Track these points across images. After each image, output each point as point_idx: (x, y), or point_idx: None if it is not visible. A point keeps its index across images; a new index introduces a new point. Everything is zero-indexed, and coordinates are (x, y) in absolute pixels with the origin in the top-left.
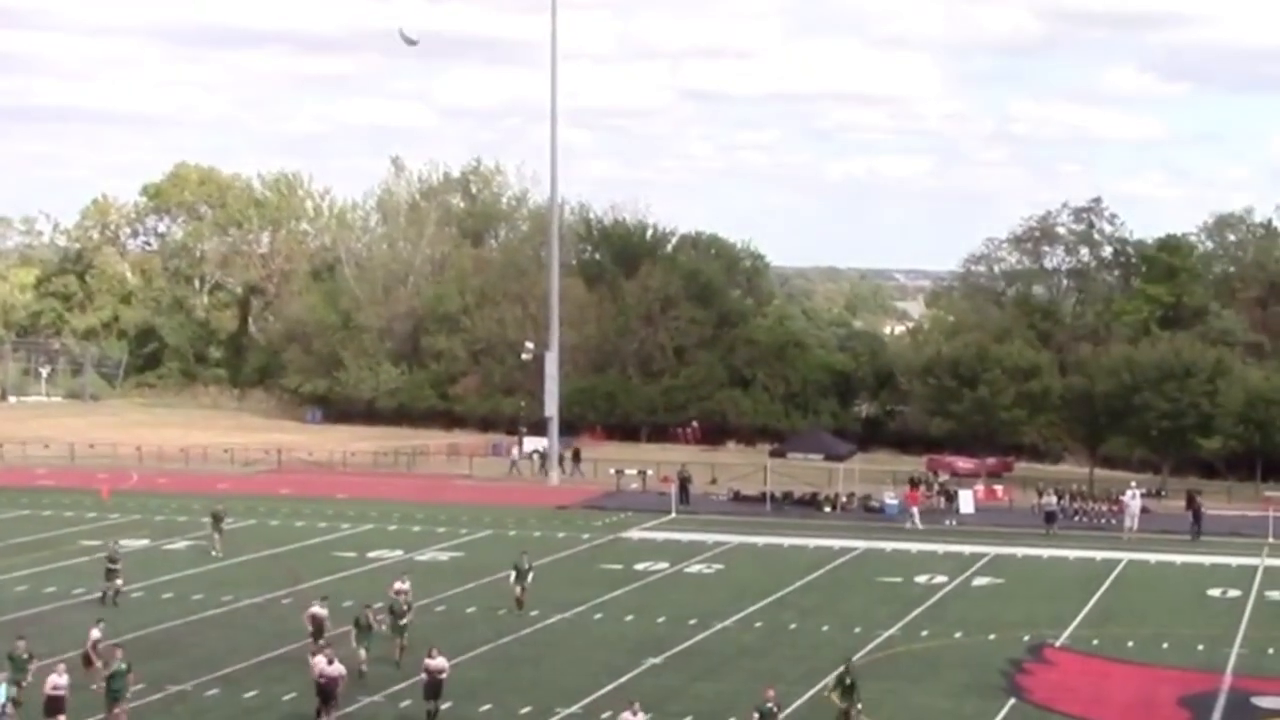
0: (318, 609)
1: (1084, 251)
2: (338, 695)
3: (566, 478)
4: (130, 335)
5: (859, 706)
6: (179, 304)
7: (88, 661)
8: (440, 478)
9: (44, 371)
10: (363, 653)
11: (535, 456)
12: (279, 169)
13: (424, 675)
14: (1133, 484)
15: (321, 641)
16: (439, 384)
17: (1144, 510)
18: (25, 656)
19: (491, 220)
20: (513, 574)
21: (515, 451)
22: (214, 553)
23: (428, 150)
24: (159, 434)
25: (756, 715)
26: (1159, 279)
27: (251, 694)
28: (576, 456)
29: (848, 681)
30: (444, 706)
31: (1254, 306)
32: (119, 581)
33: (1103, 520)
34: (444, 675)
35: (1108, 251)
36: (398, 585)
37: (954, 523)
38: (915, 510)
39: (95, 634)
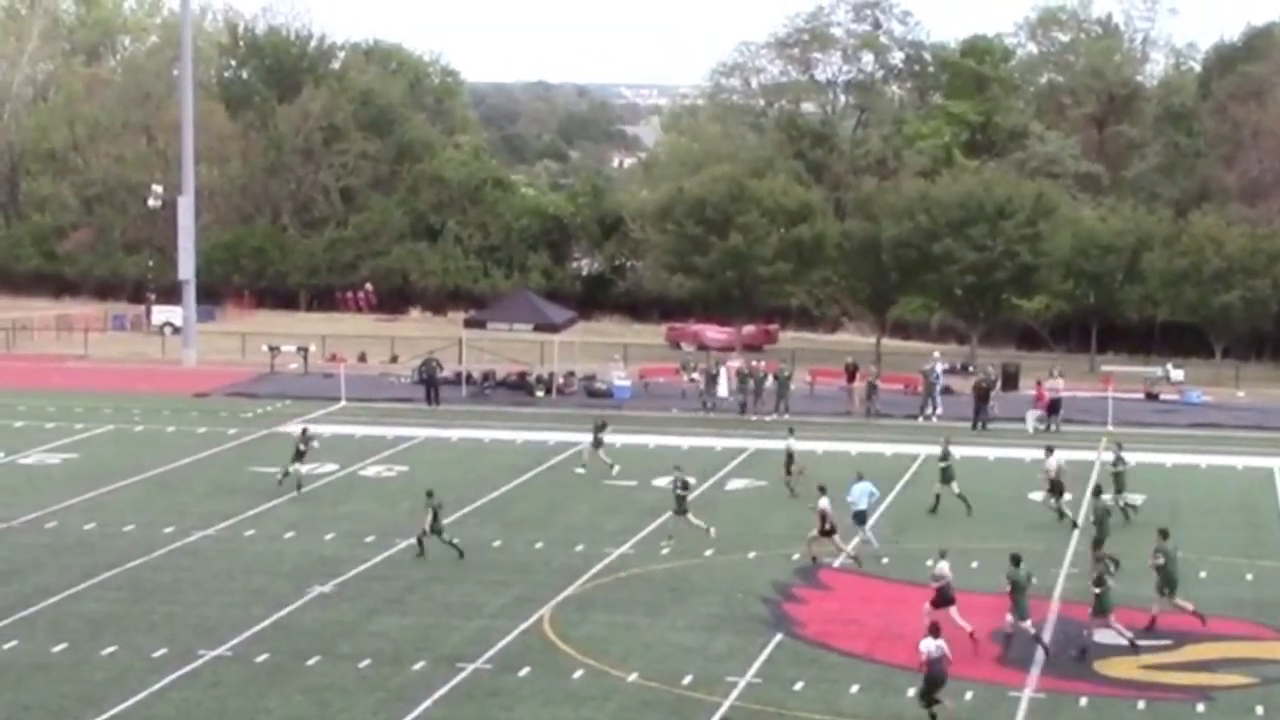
0: None
1: (867, 58)
2: None
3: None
4: None
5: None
6: None
7: None
8: (47, 359)
9: None
10: None
11: (168, 329)
12: None
13: None
14: (936, 355)
15: None
16: (43, 239)
17: (946, 390)
18: None
19: (111, 32)
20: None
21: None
22: None
23: None
24: None
25: None
26: (964, 93)
27: None
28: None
29: None
30: (56, 649)
31: (1088, 127)
32: None
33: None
34: None
35: (898, 58)
36: None
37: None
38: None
39: None
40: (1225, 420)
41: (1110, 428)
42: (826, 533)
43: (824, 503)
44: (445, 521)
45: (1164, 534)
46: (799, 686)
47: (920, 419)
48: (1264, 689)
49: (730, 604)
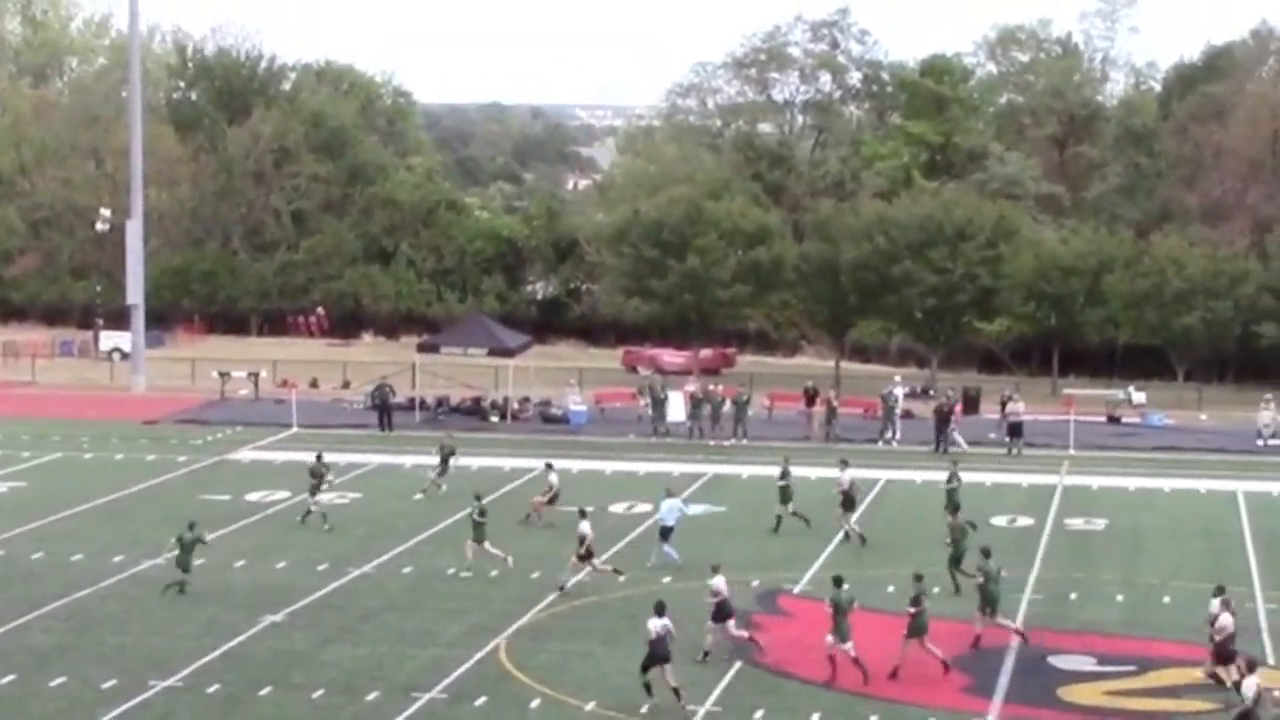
0: None
1: (825, 78)
2: None
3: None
4: None
5: None
6: None
7: None
8: None
9: None
10: None
11: (116, 355)
12: None
13: None
14: (896, 379)
15: None
16: None
17: (906, 414)
18: None
19: (58, 53)
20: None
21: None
22: None
23: None
24: None
25: None
26: (923, 113)
27: None
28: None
29: None
30: (3, 681)
31: (1048, 148)
32: None
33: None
34: None
35: (855, 78)
36: None
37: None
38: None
39: None
40: (1188, 443)
41: (1072, 451)
42: (584, 557)
43: (584, 526)
44: (399, 549)
45: (986, 553)
46: (759, 715)
47: (880, 443)
48: (1228, 715)
49: (690, 633)
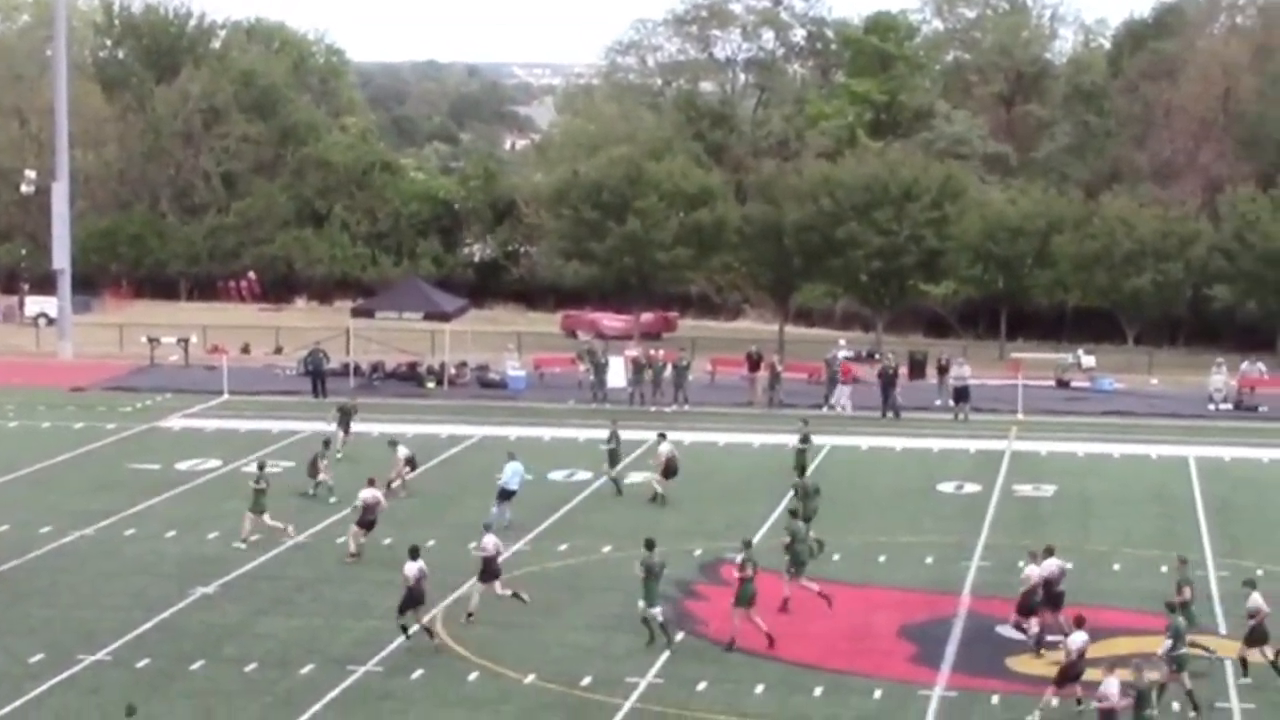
0: None
1: (767, 36)
2: None
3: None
4: None
5: None
6: None
7: None
8: None
9: None
10: None
11: (42, 321)
12: None
13: None
14: (840, 342)
15: None
16: None
17: (853, 379)
18: None
19: None
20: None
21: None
22: None
23: None
24: None
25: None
26: (868, 71)
27: None
28: None
29: None
30: None
31: (996, 106)
32: None
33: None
34: None
35: (799, 35)
36: None
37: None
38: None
39: None
40: (1138, 408)
41: (1021, 416)
42: (365, 525)
43: (368, 494)
44: (332, 519)
45: (793, 514)
46: (702, 687)
47: (824, 409)
48: (1182, 685)
49: (631, 602)
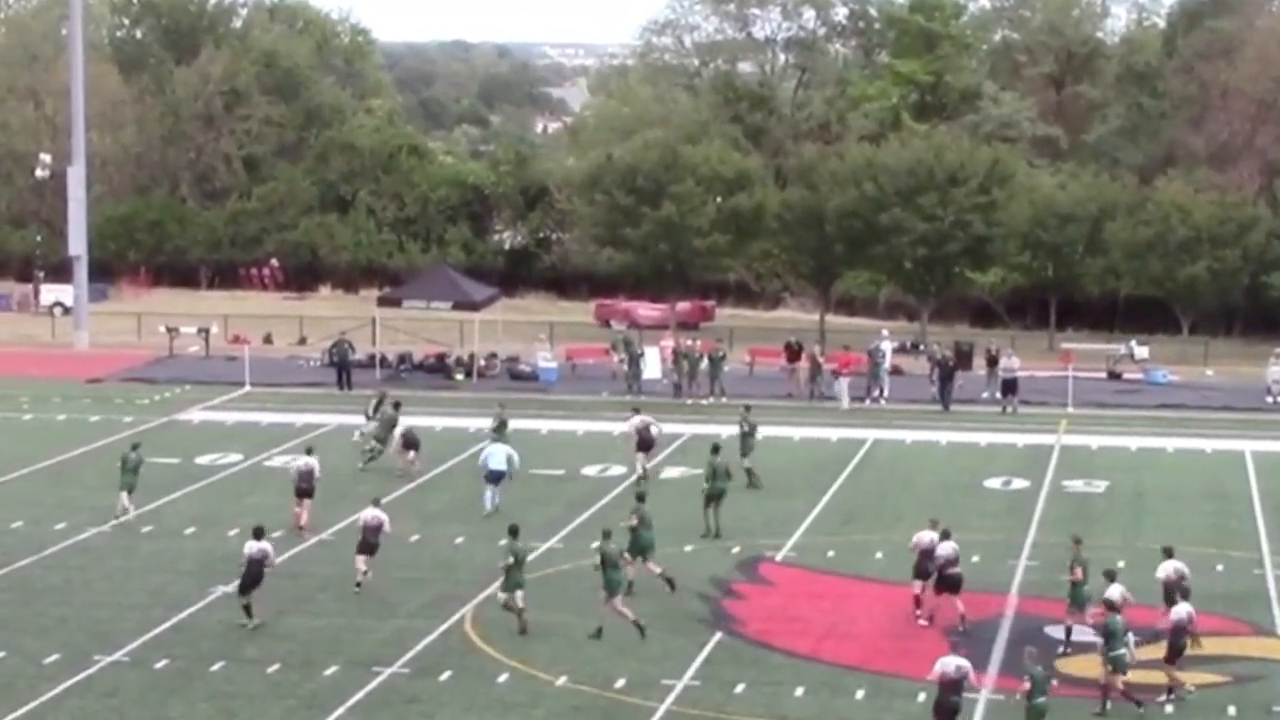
0: None
1: (808, 14)
2: None
3: None
4: None
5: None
6: None
7: None
8: None
9: None
10: None
11: (58, 310)
12: None
13: None
14: (884, 333)
15: None
16: None
17: (894, 370)
18: None
19: None
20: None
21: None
22: None
23: None
24: None
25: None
26: (912, 51)
27: None
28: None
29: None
30: None
31: (1045, 87)
32: None
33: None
34: None
35: (841, 14)
36: None
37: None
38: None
39: None
40: (1193, 400)
41: (1071, 409)
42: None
43: (369, 515)
44: (355, 517)
45: (640, 497)
46: (740, 689)
47: (867, 401)
48: (1236, 688)
49: (667, 602)
